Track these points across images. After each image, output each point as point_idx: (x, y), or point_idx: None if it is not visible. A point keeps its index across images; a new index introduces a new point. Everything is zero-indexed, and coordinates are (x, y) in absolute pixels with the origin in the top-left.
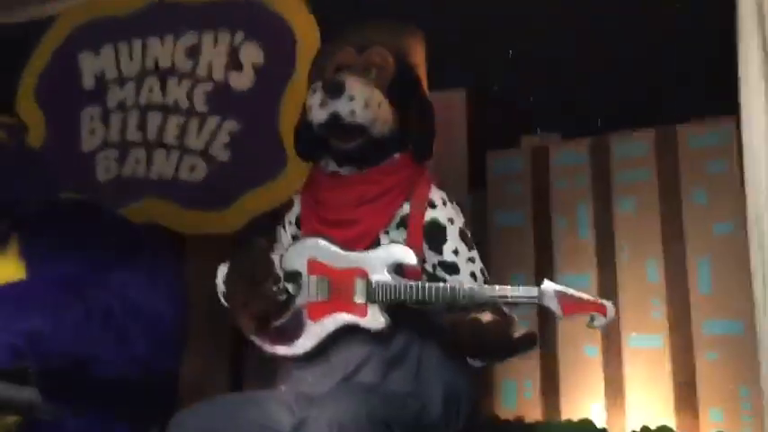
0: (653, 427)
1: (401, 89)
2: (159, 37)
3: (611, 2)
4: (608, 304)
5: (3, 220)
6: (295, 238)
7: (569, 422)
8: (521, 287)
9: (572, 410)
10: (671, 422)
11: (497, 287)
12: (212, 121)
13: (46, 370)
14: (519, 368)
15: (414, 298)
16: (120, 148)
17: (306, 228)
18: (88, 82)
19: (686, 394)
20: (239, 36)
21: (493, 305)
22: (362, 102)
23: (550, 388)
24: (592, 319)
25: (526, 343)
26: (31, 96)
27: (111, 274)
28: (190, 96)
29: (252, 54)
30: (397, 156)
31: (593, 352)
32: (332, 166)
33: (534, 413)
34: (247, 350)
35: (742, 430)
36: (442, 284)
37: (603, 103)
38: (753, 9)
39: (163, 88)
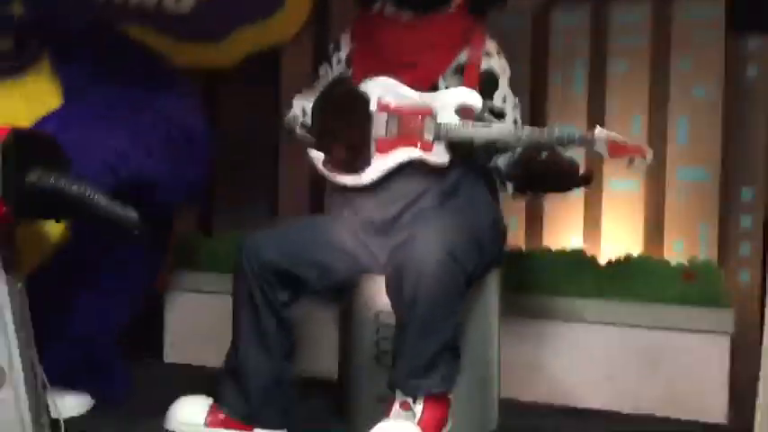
0: (623, 254)
1: None
2: None
3: None
4: (647, 149)
5: (35, 35)
6: (338, 76)
7: (562, 250)
8: (576, 131)
9: (552, 243)
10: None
11: (555, 130)
12: None
13: (120, 191)
14: (507, 205)
15: (479, 138)
16: None
17: (358, 67)
18: None
19: (654, 230)
20: None
21: (550, 146)
22: None
23: (534, 223)
24: (631, 161)
25: (588, 179)
26: None
27: (162, 98)
28: None
29: None
30: (454, 4)
31: (576, 192)
32: (390, 10)
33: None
34: None
35: (698, 258)
36: (506, 125)
37: None
38: None
39: None
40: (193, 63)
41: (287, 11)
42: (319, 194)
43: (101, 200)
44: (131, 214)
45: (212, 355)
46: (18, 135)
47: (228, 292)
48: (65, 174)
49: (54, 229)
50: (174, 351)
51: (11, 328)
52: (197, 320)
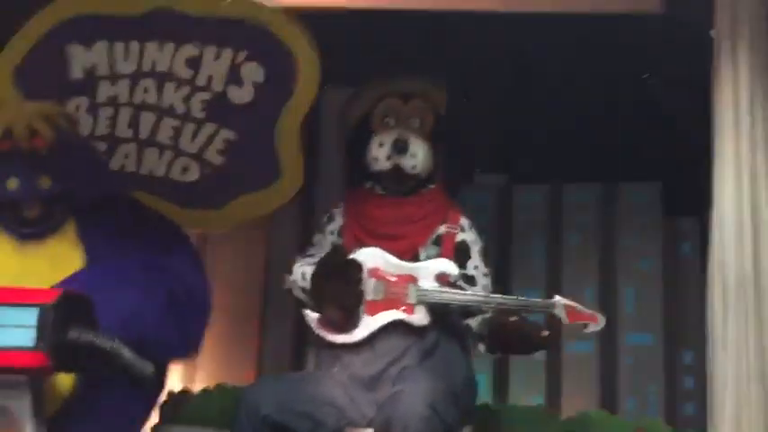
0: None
1: (438, 137)
2: (158, 42)
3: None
4: (600, 316)
5: (61, 204)
6: (334, 245)
7: (527, 407)
8: (539, 299)
9: (518, 400)
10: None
11: (522, 298)
12: (209, 128)
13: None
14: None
15: (455, 302)
16: (109, 141)
17: (348, 238)
18: (77, 74)
19: (609, 389)
20: (242, 55)
21: (517, 312)
22: (421, 158)
23: (503, 382)
24: (586, 326)
25: (550, 343)
26: (9, 79)
27: (169, 259)
28: (187, 102)
29: (253, 73)
30: (432, 186)
31: (538, 355)
32: (378, 190)
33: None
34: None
35: (648, 417)
36: (479, 293)
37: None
38: (730, 106)
39: (159, 91)
40: (193, 227)
41: (282, 182)
42: (300, 352)
43: (127, 354)
44: (149, 368)
45: None
46: (65, 296)
47: None
48: (97, 330)
49: (65, 380)
50: None
51: None
52: None
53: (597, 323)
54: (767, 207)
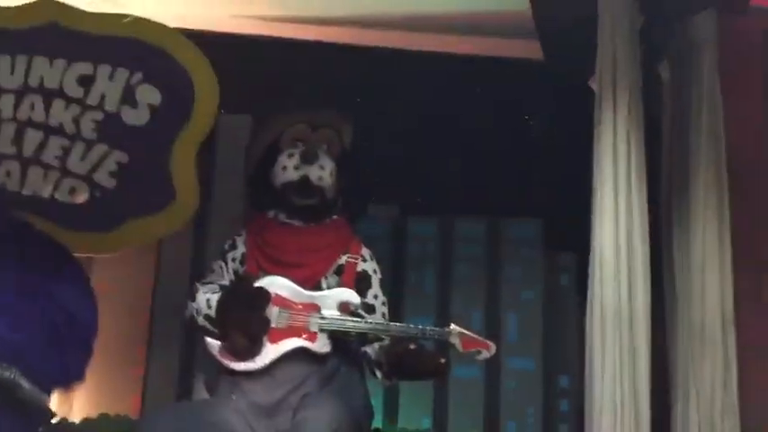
0: None
1: (343, 165)
2: (49, 58)
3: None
4: (491, 344)
5: None
6: (236, 273)
7: (416, 430)
8: (435, 327)
9: (406, 423)
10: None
11: (420, 326)
12: (99, 149)
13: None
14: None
15: (356, 330)
16: None
17: (250, 265)
18: None
19: (492, 412)
20: (137, 76)
21: (414, 339)
22: (328, 171)
23: (392, 406)
24: (479, 352)
25: (447, 368)
26: None
27: (52, 285)
28: (77, 122)
29: (149, 95)
30: (335, 217)
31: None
32: (282, 218)
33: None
34: None
35: None
36: (379, 321)
37: (440, 187)
38: (609, 151)
39: (46, 108)
40: (81, 250)
41: (176, 206)
42: (187, 378)
43: (25, 385)
44: (45, 399)
45: None
46: None
47: None
48: None
49: None
50: None
51: None
52: None
53: (489, 350)
54: (642, 245)
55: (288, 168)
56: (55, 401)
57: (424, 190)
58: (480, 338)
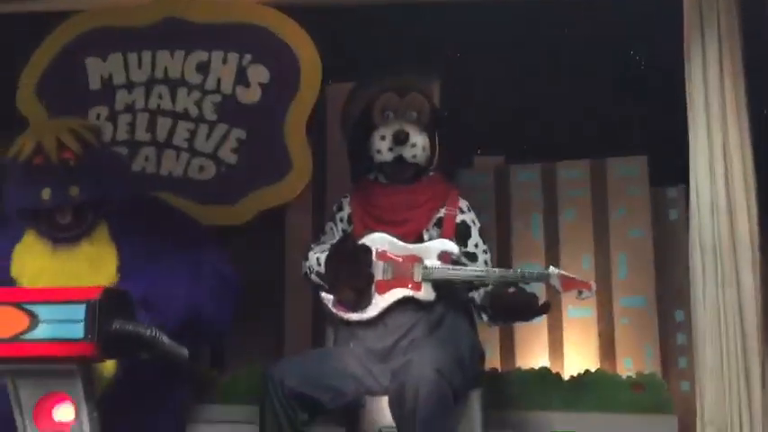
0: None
1: (434, 128)
2: (169, 51)
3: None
4: (592, 283)
5: (91, 210)
6: (345, 232)
7: (532, 369)
8: (535, 270)
9: (523, 364)
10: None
11: (519, 270)
12: (221, 129)
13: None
14: (484, 334)
15: (457, 278)
16: (129, 146)
17: (358, 224)
18: (94, 84)
19: (608, 349)
20: (247, 58)
21: (515, 283)
22: (421, 146)
23: (507, 348)
24: (580, 292)
25: (546, 309)
26: (32, 91)
27: (202, 251)
28: (199, 105)
29: (259, 74)
30: (431, 173)
31: (538, 320)
32: (382, 179)
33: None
34: None
35: (645, 372)
36: (479, 268)
37: (542, 134)
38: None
39: (173, 97)
40: (212, 221)
41: (293, 175)
42: (319, 331)
43: (165, 340)
44: (184, 352)
45: None
46: (107, 292)
47: (241, 421)
48: (135, 320)
49: (107, 366)
50: None
51: None
52: None
53: (590, 289)
54: (742, 178)
55: (382, 151)
56: (207, 358)
57: (527, 138)
58: (580, 279)
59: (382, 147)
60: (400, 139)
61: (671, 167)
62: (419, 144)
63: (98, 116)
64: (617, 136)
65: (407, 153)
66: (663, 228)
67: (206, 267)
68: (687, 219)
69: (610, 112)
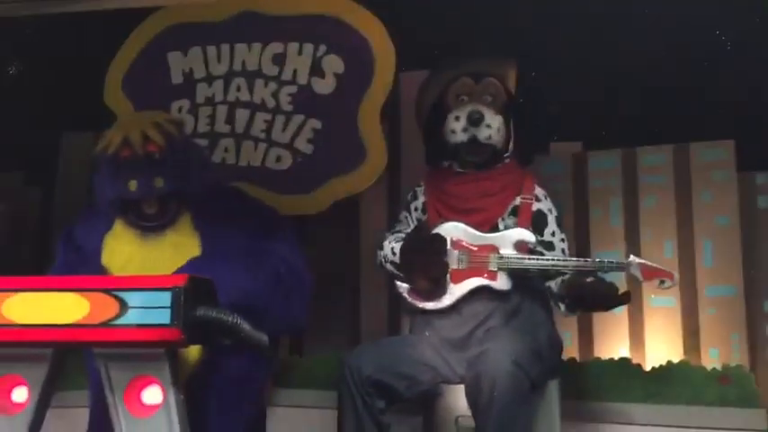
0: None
1: (509, 112)
2: (247, 44)
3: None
4: (674, 273)
5: (175, 200)
6: (419, 221)
7: (612, 360)
8: (614, 259)
9: (602, 354)
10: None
11: (597, 259)
12: (297, 119)
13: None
14: (561, 322)
15: (533, 267)
16: (210, 137)
17: (432, 213)
18: (176, 78)
19: (692, 339)
20: (322, 48)
21: (593, 273)
22: (496, 127)
23: (586, 337)
24: (662, 282)
25: (626, 299)
26: (119, 87)
27: (275, 243)
28: (276, 97)
29: (333, 64)
30: (507, 160)
31: (618, 310)
32: (456, 168)
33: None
34: None
35: (731, 364)
36: (556, 257)
37: (620, 118)
38: None
39: (250, 89)
40: (290, 211)
41: (368, 164)
42: (395, 319)
43: (246, 327)
44: (265, 338)
45: None
46: (192, 280)
47: (319, 406)
48: (218, 307)
49: (192, 352)
50: None
51: (177, 430)
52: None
53: (672, 279)
54: None
55: (456, 132)
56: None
57: (607, 123)
58: (662, 268)
59: (457, 127)
60: (474, 118)
61: (760, 152)
62: (494, 125)
63: (180, 109)
64: (703, 120)
65: (482, 134)
66: (751, 214)
67: (274, 259)
68: None
69: (696, 96)
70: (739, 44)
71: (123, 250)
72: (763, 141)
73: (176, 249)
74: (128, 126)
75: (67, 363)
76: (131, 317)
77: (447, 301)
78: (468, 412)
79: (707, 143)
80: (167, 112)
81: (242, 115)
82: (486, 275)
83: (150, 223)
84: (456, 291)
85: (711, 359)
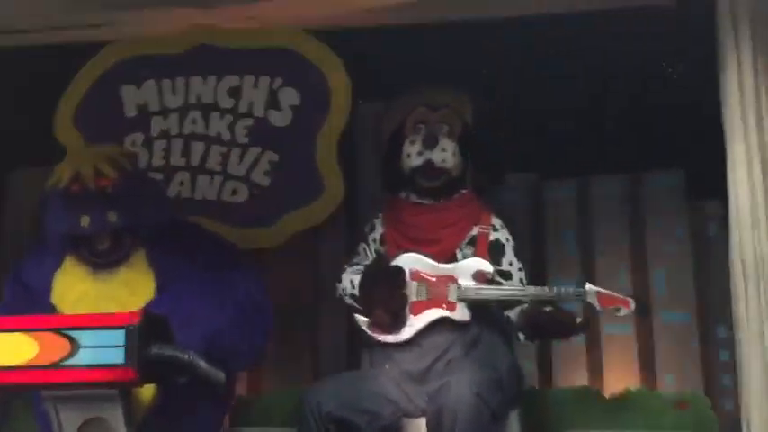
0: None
1: (465, 142)
2: (202, 77)
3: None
4: (631, 300)
5: (129, 235)
6: (378, 252)
7: (572, 387)
8: (571, 288)
9: (562, 382)
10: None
11: (555, 288)
12: (253, 152)
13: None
14: (521, 351)
15: (492, 297)
16: (165, 171)
17: (390, 244)
18: (130, 111)
19: (648, 366)
20: (278, 81)
21: (551, 301)
22: (450, 152)
23: (545, 367)
24: (617, 310)
25: (584, 327)
26: (69, 120)
27: (236, 277)
28: (232, 129)
29: (290, 97)
30: (464, 191)
31: (578, 339)
32: (414, 198)
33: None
34: None
35: (688, 389)
36: (514, 287)
37: (575, 149)
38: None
39: (206, 121)
40: (247, 245)
41: (325, 195)
42: (355, 352)
43: (202, 364)
44: (221, 375)
45: None
46: (146, 317)
47: None
48: (174, 345)
49: (147, 391)
50: None
51: None
52: None
53: (628, 307)
54: None
55: (412, 155)
56: (244, 380)
57: (561, 154)
58: (618, 295)
59: (412, 151)
60: (429, 141)
61: (709, 181)
62: (449, 149)
63: (134, 143)
64: (653, 150)
65: (437, 157)
66: (702, 243)
67: (237, 293)
68: (727, 233)
69: (646, 127)
70: (689, 75)
71: (74, 288)
72: (711, 170)
73: (130, 286)
74: (79, 160)
75: (15, 407)
76: (83, 357)
77: (407, 333)
78: None
79: (658, 172)
80: (121, 145)
81: (197, 148)
82: (445, 306)
83: (103, 259)
84: (415, 323)
85: (668, 385)
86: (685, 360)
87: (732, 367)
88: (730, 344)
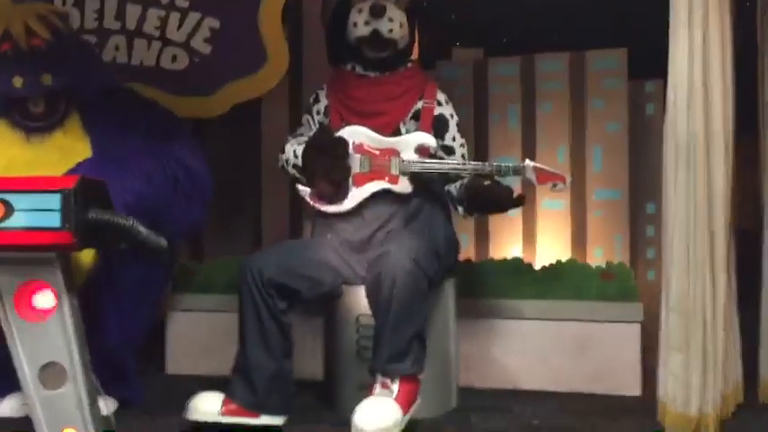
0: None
1: (413, 13)
2: None
3: None
4: (566, 176)
5: (64, 99)
6: (321, 124)
7: (505, 260)
8: (510, 163)
9: (497, 254)
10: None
11: (494, 163)
12: (193, 17)
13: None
14: (459, 225)
15: (434, 170)
16: (99, 34)
17: (334, 117)
18: None
19: (579, 240)
20: None
21: (491, 176)
22: (398, 22)
23: (482, 238)
24: (554, 185)
25: (521, 201)
26: None
27: (171, 145)
28: None
29: None
30: (410, 64)
31: (513, 213)
32: (359, 70)
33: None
34: None
35: (614, 262)
36: (456, 161)
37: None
38: None
39: None
40: (187, 113)
41: (269, 66)
42: (297, 222)
43: (142, 230)
44: (163, 241)
45: (207, 366)
46: (82, 181)
47: (219, 310)
48: (112, 210)
49: (86, 256)
50: (174, 364)
51: (71, 334)
52: (193, 336)
53: (564, 182)
54: (718, 69)
55: (358, 24)
56: (187, 248)
57: (506, 31)
58: (555, 171)
59: (359, 20)
60: (376, 10)
61: (650, 61)
62: (396, 19)
63: (64, 2)
64: (597, 29)
65: (384, 26)
66: (639, 122)
67: (170, 161)
68: (663, 113)
69: (591, 5)
70: None
71: (7, 152)
72: (653, 50)
73: (64, 151)
74: (8, 17)
75: None
76: (18, 220)
77: (349, 204)
78: (369, 311)
79: (601, 51)
80: (50, 2)
81: (133, 10)
82: (387, 179)
83: (36, 123)
84: (357, 194)
85: (597, 258)
86: (614, 234)
87: (656, 242)
88: (658, 220)
